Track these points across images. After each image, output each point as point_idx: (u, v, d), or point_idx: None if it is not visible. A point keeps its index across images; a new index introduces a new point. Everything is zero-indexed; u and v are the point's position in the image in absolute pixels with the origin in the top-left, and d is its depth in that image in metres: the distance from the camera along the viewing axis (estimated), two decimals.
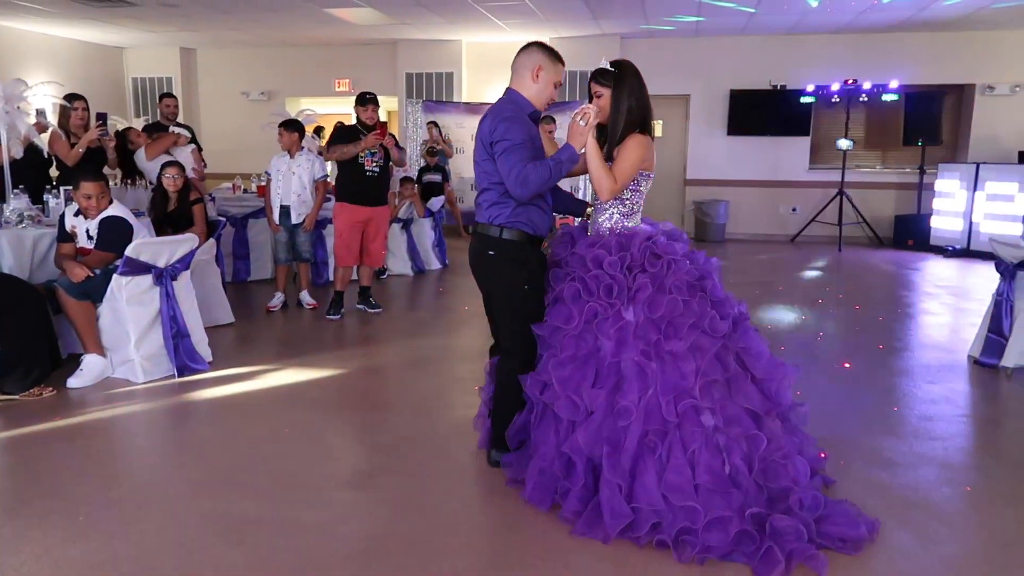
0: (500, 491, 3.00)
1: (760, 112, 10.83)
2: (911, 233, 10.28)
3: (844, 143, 10.14)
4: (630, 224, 2.98)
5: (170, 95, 7.54)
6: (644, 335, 2.69)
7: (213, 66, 12.56)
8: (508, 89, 3.02)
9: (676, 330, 2.70)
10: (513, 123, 2.86)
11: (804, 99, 10.36)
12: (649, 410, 2.62)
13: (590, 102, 2.96)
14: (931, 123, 10.02)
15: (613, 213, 2.97)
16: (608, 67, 2.93)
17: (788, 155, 11.03)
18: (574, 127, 2.85)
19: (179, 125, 7.51)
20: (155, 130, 6.83)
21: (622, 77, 2.91)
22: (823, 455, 3.18)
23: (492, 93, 11.08)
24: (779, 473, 2.64)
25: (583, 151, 2.90)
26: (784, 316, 6.24)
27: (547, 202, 3.06)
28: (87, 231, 4.45)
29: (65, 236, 4.50)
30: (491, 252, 2.98)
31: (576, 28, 10.39)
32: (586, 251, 2.89)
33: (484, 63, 11.48)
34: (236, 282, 7.33)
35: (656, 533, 2.56)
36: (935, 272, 8.53)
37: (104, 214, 4.43)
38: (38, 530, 2.73)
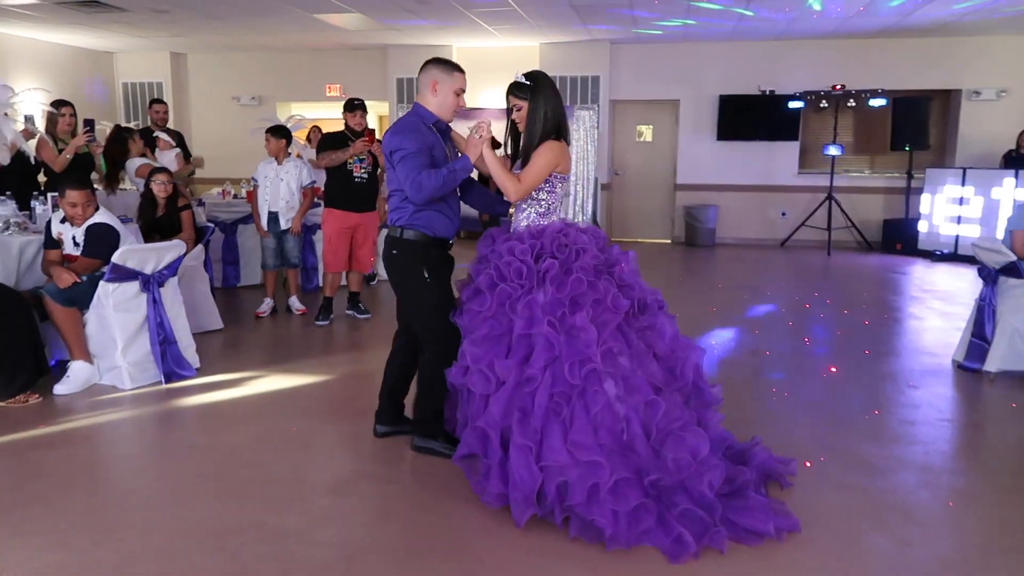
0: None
1: (749, 117, 10.88)
2: (899, 237, 10.34)
3: (833, 149, 10.21)
4: (545, 223, 3.15)
5: (160, 101, 7.56)
6: (551, 311, 2.85)
7: (204, 71, 12.56)
8: (414, 103, 3.31)
9: (579, 306, 2.85)
10: (409, 134, 3.13)
11: (793, 104, 10.43)
12: (555, 375, 2.77)
13: (509, 114, 3.19)
14: (918, 128, 10.08)
15: (530, 213, 3.16)
16: (523, 80, 3.12)
17: (777, 160, 11.09)
18: (471, 139, 3.13)
19: (167, 131, 7.53)
20: (146, 136, 6.83)
21: (537, 88, 3.10)
22: (810, 463, 3.21)
23: (483, 98, 11.11)
24: (677, 442, 2.75)
25: (480, 160, 3.15)
26: (770, 320, 6.28)
27: (451, 207, 3.31)
28: (73, 238, 4.46)
29: (52, 242, 4.51)
30: (394, 251, 3.27)
31: (566, 34, 10.44)
32: (503, 245, 3.09)
33: (475, 68, 11.44)
34: (225, 288, 7.34)
35: (564, 498, 2.66)
36: (922, 276, 8.59)
37: (90, 221, 4.44)
38: (20, 538, 2.73)
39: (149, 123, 7.39)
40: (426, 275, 3.21)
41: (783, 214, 11.15)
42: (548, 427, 2.74)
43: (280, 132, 6.22)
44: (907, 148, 10.17)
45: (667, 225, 11.66)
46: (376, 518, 2.90)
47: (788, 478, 3.14)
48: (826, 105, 10.32)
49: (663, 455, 2.74)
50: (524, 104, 3.12)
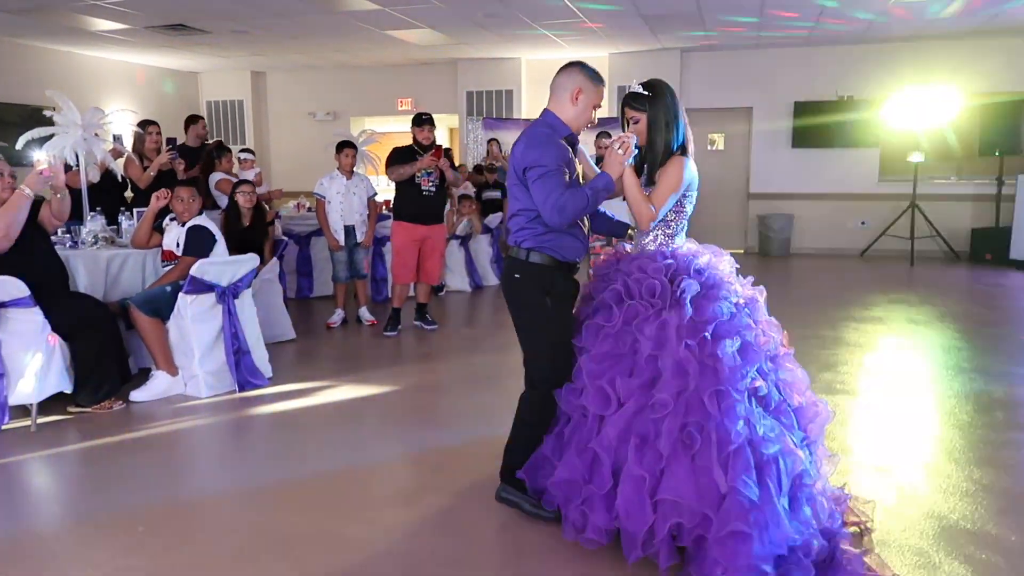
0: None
1: (827, 124, 10.58)
2: (989, 247, 9.85)
3: (915, 155, 9.80)
4: (674, 245, 2.94)
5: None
6: (687, 335, 2.59)
7: (282, 88, 13.00)
8: (545, 111, 2.93)
9: (719, 336, 2.59)
10: (548, 148, 2.77)
11: (873, 109, 10.07)
12: (690, 404, 2.51)
13: (624, 128, 2.92)
14: (1009, 132, 9.59)
15: (657, 235, 2.92)
16: (641, 90, 2.86)
17: (857, 167, 10.72)
18: (611, 155, 2.82)
19: (244, 150, 7.80)
20: (185, 152, 6.87)
21: (656, 99, 2.84)
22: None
23: None
24: (808, 504, 2.51)
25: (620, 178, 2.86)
26: (844, 334, 6.05)
27: (580, 228, 2.96)
28: (177, 241, 4.78)
29: (160, 228, 5.00)
30: (517, 275, 2.91)
31: (635, 43, 10.37)
32: (629, 264, 2.86)
33: (544, 80, 11.38)
34: (299, 298, 7.55)
35: (678, 539, 2.46)
36: (1016, 288, 8.14)
37: (192, 222, 4.76)
38: (100, 540, 2.86)
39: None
40: (549, 311, 2.87)
41: (863, 223, 10.77)
42: (675, 458, 2.46)
43: (353, 147, 6.37)
44: (997, 153, 9.68)
45: (740, 235, 11.41)
46: (437, 532, 2.91)
47: (866, 525, 2.82)
48: (909, 110, 9.93)
49: (793, 514, 2.47)
50: (642, 116, 2.85)
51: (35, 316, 4.02)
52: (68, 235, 5.01)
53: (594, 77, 2.88)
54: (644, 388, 2.59)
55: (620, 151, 2.81)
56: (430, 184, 5.93)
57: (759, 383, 2.61)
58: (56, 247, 4.62)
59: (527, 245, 2.88)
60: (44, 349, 4.04)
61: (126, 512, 3.08)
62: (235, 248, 5.45)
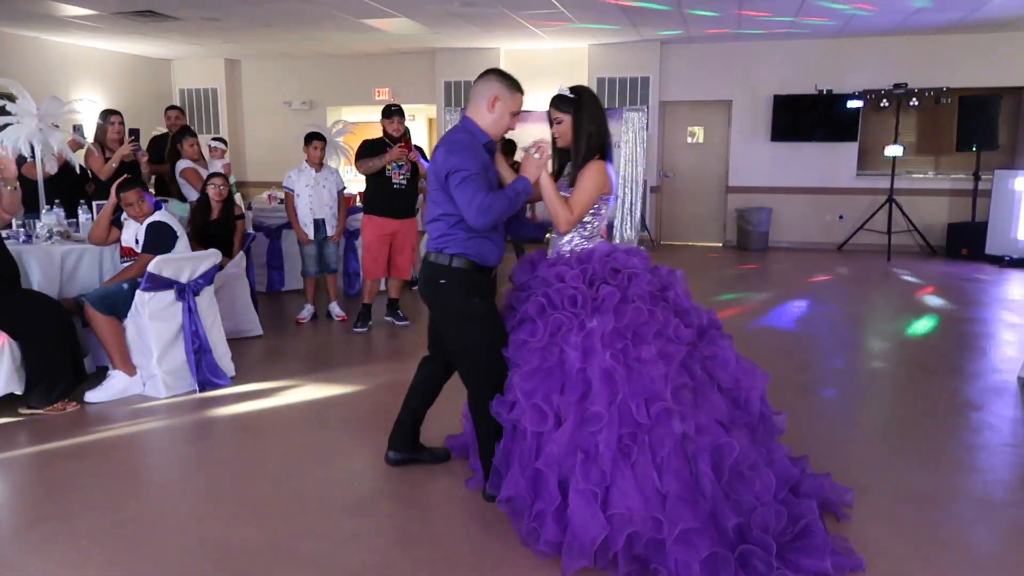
0: (504, 521, 2.90)
1: (805, 117, 10.54)
2: (965, 242, 9.86)
3: (893, 149, 9.79)
4: (590, 246, 2.98)
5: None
6: (611, 343, 2.64)
7: (257, 77, 12.77)
8: (464, 117, 3.01)
9: (642, 338, 2.67)
10: (468, 153, 2.84)
11: (851, 104, 10.04)
12: (622, 414, 2.56)
13: (551, 127, 2.99)
14: (987, 127, 9.59)
15: (574, 237, 2.98)
16: (568, 93, 2.95)
17: (835, 161, 10.70)
18: (528, 159, 2.91)
19: (215, 138, 7.63)
20: (161, 142, 6.65)
21: (582, 104, 2.94)
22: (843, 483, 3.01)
23: (531, 100, 10.96)
24: (746, 485, 2.58)
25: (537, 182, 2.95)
26: (821, 331, 6.01)
27: (499, 233, 3.04)
28: (136, 236, 4.63)
29: (118, 222, 4.78)
30: (442, 281, 2.96)
31: (614, 35, 10.26)
32: (547, 271, 2.89)
33: (523, 71, 11.23)
34: (270, 292, 7.40)
35: (631, 548, 2.47)
36: (989, 283, 8.15)
37: (152, 218, 4.59)
38: (41, 552, 2.74)
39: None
40: (478, 311, 2.93)
41: (840, 217, 10.76)
42: (617, 471, 2.51)
43: (322, 139, 6.22)
44: (974, 148, 9.69)
45: (718, 229, 11.37)
46: (393, 544, 2.82)
47: (844, 510, 2.94)
48: (887, 104, 9.91)
49: (732, 498, 2.55)
50: (566, 118, 2.96)
51: None
52: (22, 229, 4.84)
53: (511, 85, 2.95)
54: (580, 402, 2.62)
55: (536, 155, 2.90)
56: (401, 177, 5.81)
57: (684, 378, 2.66)
58: (8, 241, 4.46)
59: (450, 251, 2.94)
60: None
61: (69, 523, 2.95)
62: (201, 241, 5.32)
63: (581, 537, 2.47)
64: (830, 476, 3.08)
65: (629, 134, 10.57)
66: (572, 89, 2.98)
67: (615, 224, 10.58)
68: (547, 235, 3.19)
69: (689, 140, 11.39)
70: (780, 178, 10.91)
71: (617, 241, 10.62)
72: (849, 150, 10.63)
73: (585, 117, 2.93)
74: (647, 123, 10.62)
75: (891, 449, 3.68)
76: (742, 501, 2.55)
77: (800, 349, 5.51)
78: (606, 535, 2.45)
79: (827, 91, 10.40)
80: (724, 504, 2.53)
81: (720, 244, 11.34)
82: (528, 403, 2.66)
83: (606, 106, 10.82)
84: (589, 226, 2.98)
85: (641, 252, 2.97)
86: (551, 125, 3.01)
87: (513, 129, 3.10)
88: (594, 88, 10.97)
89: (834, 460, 3.46)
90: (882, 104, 9.98)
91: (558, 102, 2.97)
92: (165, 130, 7.45)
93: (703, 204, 11.43)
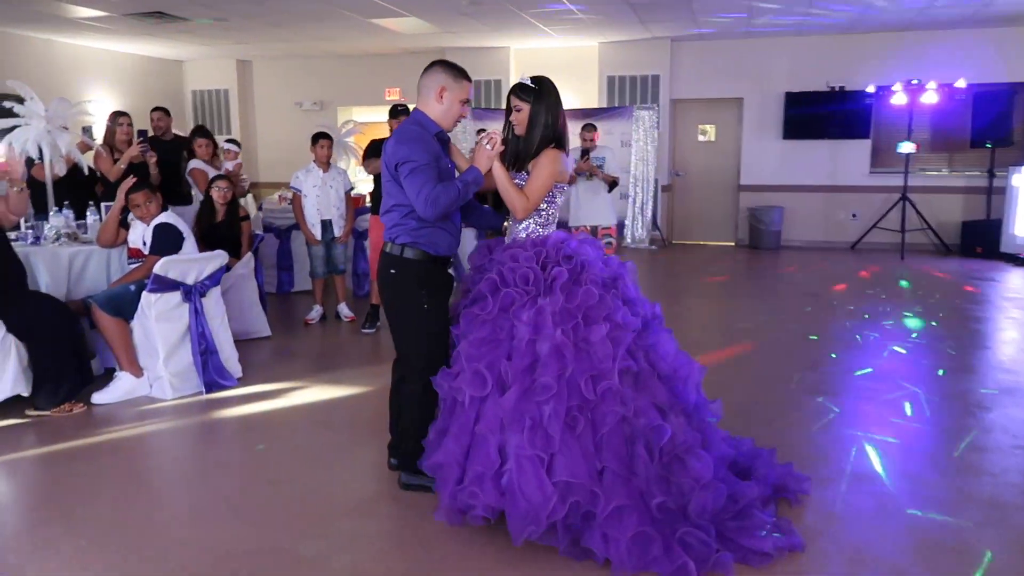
0: (504, 521, 2.88)
1: (817, 115, 10.45)
2: (980, 240, 9.75)
3: (906, 146, 9.68)
4: (545, 233, 3.04)
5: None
6: (561, 322, 2.72)
7: (268, 77, 12.82)
8: (414, 109, 3.07)
9: (591, 319, 2.74)
10: (417, 144, 2.90)
11: (864, 100, 9.95)
12: (570, 387, 2.64)
13: (508, 115, 3.05)
14: (1001, 123, 9.47)
15: (529, 224, 3.05)
16: (528, 83, 3.01)
17: (847, 159, 10.60)
18: (480, 150, 2.98)
19: (229, 140, 7.66)
20: (154, 144, 6.59)
21: (541, 93, 3.00)
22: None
23: None
24: (681, 467, 2.66)
25: (489, 173, 3.01)
26: (832, 330, 5.95)
27: (454, 223, 3.10)
28: (143, 238, 4.65)
29: (124, 223, 4.80)
30: (393, 271, 3.03)
31: (624, 33, 10.22)
32: (502, 254, 2.97)
33: (533, 70, 11.25)
34: (280, 293, 7.42)
35: (569, 518, 2.56)
36: (1004, 282, 8.05)
37: (157, 220, 4.61)
38: (41, 553, 2.75)
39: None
40: (425, 304, 3.00)
41: (853, 216, 10.66)
42: (563, 441, 2.59)
43: (329, 138, 6.23)
44: (988, 145, 9.57)
45: (730, 227, 11.31)
46: (393, 546, 2.81)
47: (799, 496, 3.05)
48: (900, 101, 9.82)
49: (667, 480, 2.65)
50: (525, 107, 3.01)
51: None
52: (31, 231, 4.88)
53: (457, 74, 3.01)
54: (526, 371, 2.68)
55: (488, 146, 2.97)
56: None
57: (629, 362, 2.74)
58: (17, 243, 4.49)
59: (401, 241, 3.00)
60: None
61: (70, 525, 2.96)
62: (208, 244, 5.33)
63: (527, 502, 2.54)
64: (791, 465, 3.18)
65: (640, 132, 10.53)
66: (533, 79, 3.04)
67: (626, 223, 10.53)
68: (505, 223, 3.26)
69: (700, 138, 11.33)
70: (792, 176, 10.82)
71: (628, 241, 10.58)
72: (862, 147, 10.54)
73: (543, 106, 2.99)
74: (658, 121, 10.57)
75: (904, 450, 3.62)
76: (682, 483, 2.64)
77: (800, 349, 5.45)
78: (553, 503, 2.52)
79: (839, 88, 10.32)
80: (653, 485, 2.63)
81: (732, 243, 11.27)
82: (470, 368, 2.72)
83: (616, 104, 10.88)
84: (544, 213, 3.05)
85: (595, 242, 3.06)
86: (509, 113, 3.07)
87: (465, 117, 3.17)
88: (605, 87, 11.08)
89: (837, 461, 3.41)
90: (895, 100, 9.87)
91: (518, 90, 3.03)
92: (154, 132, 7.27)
93: (715, 203, 11.36)
